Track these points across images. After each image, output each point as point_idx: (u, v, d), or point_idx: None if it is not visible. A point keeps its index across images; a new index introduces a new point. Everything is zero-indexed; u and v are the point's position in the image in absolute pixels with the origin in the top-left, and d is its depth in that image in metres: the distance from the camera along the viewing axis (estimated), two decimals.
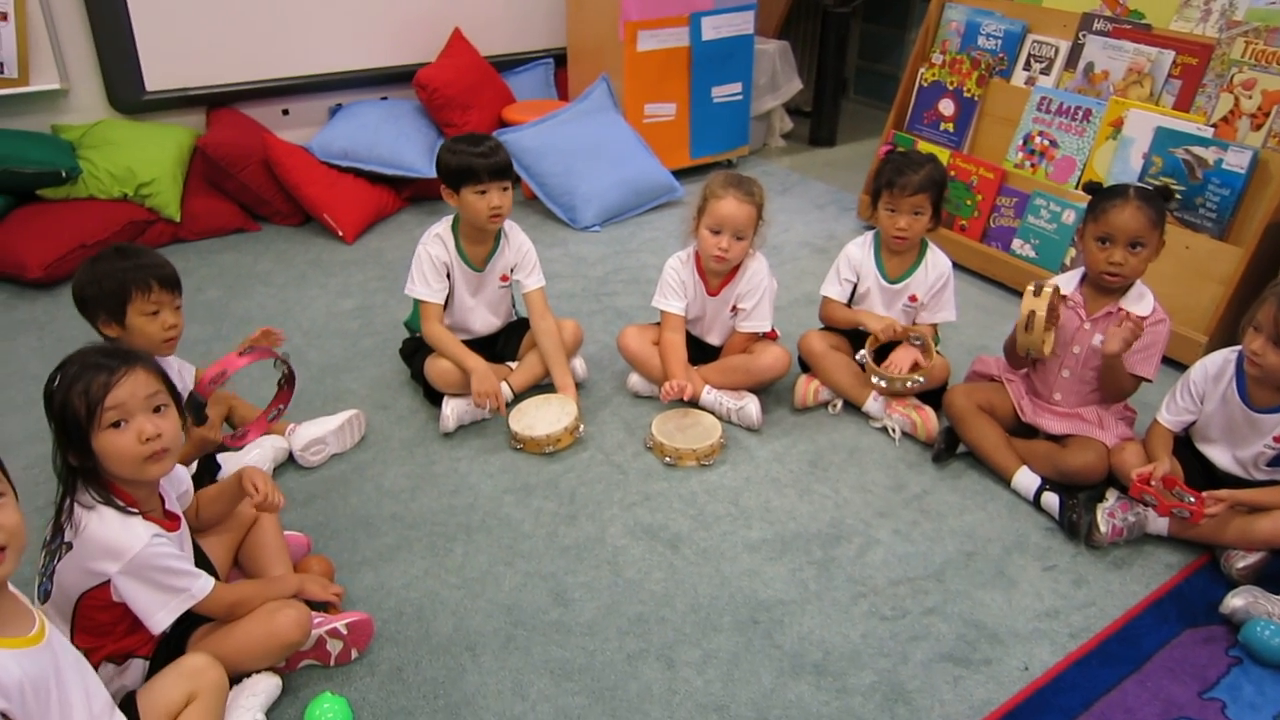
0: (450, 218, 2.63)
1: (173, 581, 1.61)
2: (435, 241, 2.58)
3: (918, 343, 2.57)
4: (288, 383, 2.27)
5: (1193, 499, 2.10)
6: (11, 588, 1.35)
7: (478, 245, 2.61)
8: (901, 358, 2.55)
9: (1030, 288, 2.27)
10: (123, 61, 3.70)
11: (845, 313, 2.67)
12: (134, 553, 1.55)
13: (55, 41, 3.58)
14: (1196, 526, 2.17)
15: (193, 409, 2.01)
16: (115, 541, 1.54)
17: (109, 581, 1.56)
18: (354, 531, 2.21)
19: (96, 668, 1.58)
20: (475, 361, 2.54)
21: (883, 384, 2.53)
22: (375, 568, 2.10)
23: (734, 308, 2.66)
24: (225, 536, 1.96)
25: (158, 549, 1.58)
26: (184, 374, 2.21)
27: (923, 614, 2.02)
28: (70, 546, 1.55)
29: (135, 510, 1.59)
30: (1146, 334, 2.30)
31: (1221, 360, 2.25)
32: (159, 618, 1.60)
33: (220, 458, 2.27)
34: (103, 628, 1.63)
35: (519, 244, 2.68)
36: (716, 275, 2.63)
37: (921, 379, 2.50)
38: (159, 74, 3.79)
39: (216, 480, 2.19)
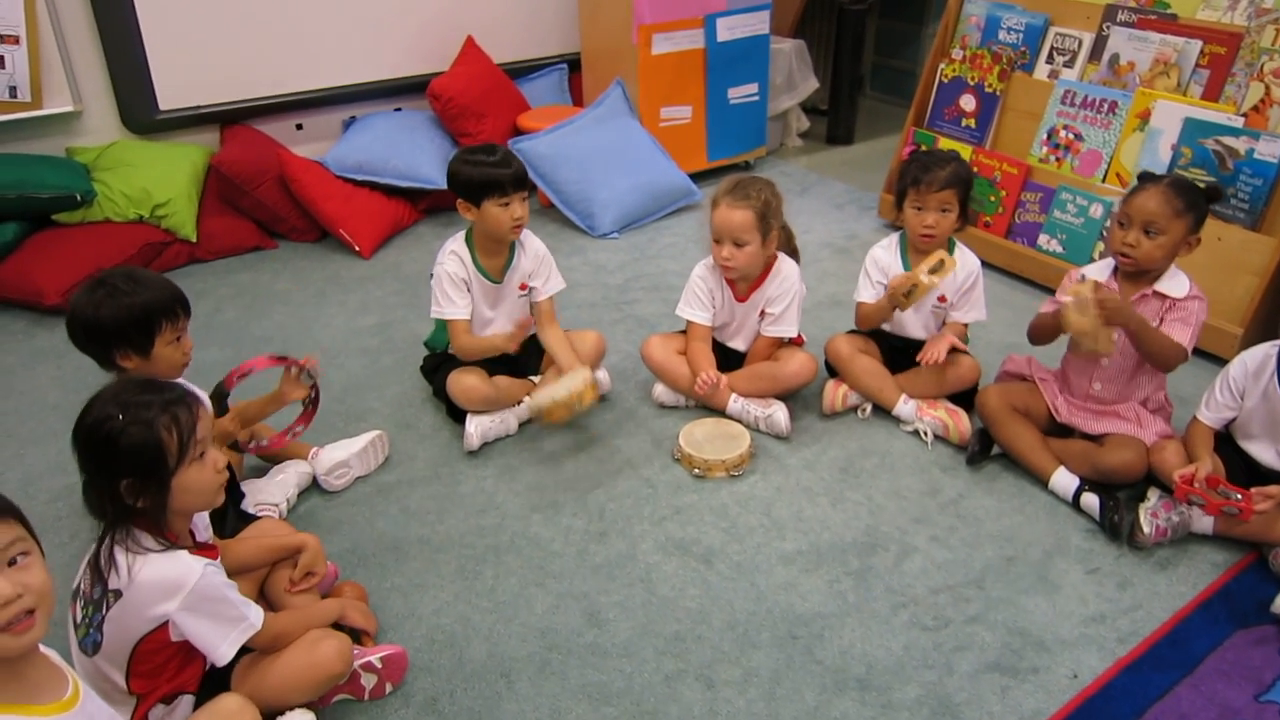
0: (463, 231, 2.60)
1: (231, 611, 1.59)
2: (452, 259, 2.54)
3: (937, 266, 2.47)
4: (312, 404, 2.25)
5: (1240, 496, 2.04)
6: (44, 649, 1.31)
7: (494, 257, 2.58)
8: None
9: (1070, 289, 2.22)
10: (135, 81, 3.69)
11: (875, 307, 2.62)
12: (191, 585, 1.51)
13: (68, 63, 3.56)
14: (1245, 524, 2.12)
15: (216, 400, 2.01)
16: (170, 578, 1.50)
17: (167, 622, 1.53)
18: (382, 556, 2.18)
19: (149, 709, 1.57)
20: (496, 337, 2.54)
21: (918, 286, 2.45)
22: (405, 594, 2.07)
23: (762, 312, 2.62)
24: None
25: (212, 579, 1.55)
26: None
27: (965, 623, 1.98)
28: (119, 594, 1.50)
29: (179, 545, 1.56)
30: (1182, 309, 2.25)
31: (1262, 355, 2.20)
32: (223, 650, 1.57)
33: (243, 485, 2.25)
34: (158, 670, 1.60)
35: (534, 250, 2.65)
36: (743, 281, 2.59)
37: (939, 276, 2.43)
38: (172, 93, 3.77)
39: (240, 507, 2.17)
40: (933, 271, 2.40)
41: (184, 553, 1.55)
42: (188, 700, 1.66)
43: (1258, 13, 2.89)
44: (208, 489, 1.58)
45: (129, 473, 1.49)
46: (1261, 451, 2.21)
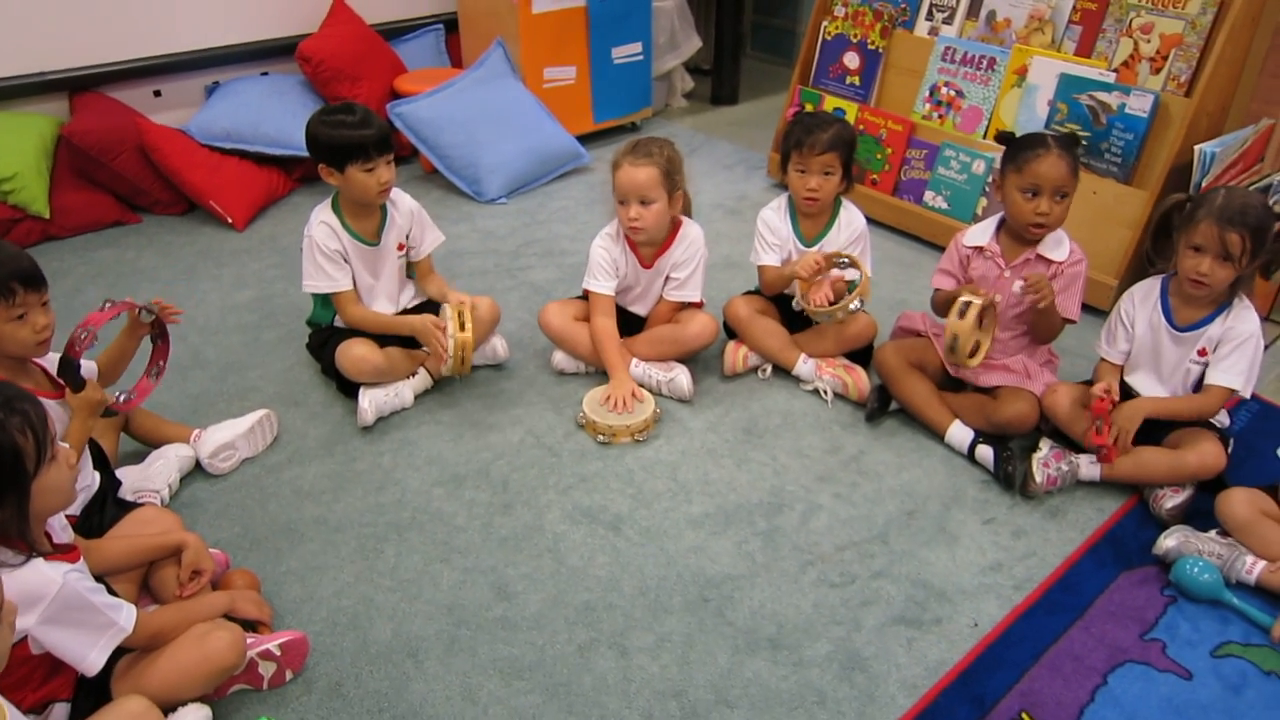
0: (329, 199, 2.48)
1: (97, 617, 1.49)
2: (321, 229, 2.42)
3: (845, 263, 2.52)
4: (160, 337, 2.11)
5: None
6: None
7: (365, 220, 2.48)
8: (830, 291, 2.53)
9: (955, 311, 2.25)
10: None
11: (778, 273, 2.62)
12: (50, 596, 1.41)
13: None
14: (1129, 469, 2.21)
15: (67, 374, 1.87)
16: (27, 591, 1.39)
17: (25, 637, 1.42)
18: (275, 540, 2.08)
19: None
20: (411, 321, 2.45)
21: (834, 318, 2.49)
22: (302, 578, 1.98)
23: (667, 276, 2.59)
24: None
25: (74, 586, 1.45)
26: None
27: (871, 578, 2.01)
28: None
29: (35, 552, 1.44)
30: (1066, 275, 2.33)
31: (1148, 285, 2.31)
32: (92, 658, 1.48)
33: (120, 473, 2.11)
34: (19, 682, 1.49)
35: (406, 207, 2.56)
36: (649, 246, 2.56)
37: (858, 303, 2.45)
38: (9, 58, 3.47)
39: (119, 496, 2.04)
40: (962, 317, 2.28)
41: (40, 561, 1.43)
42: (61, 708, 1.56)
43: None
44: (65, 488, 1.49)
45: None
46: (1144, 382, 2.30)
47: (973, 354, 2.30)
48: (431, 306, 2.63)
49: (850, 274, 2.53)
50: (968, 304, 2.23)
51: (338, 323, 2.53)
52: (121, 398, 2.11)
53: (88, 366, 2.01)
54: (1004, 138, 2.37)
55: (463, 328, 2.37)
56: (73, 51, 3.60)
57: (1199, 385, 2.23)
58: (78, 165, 3.49)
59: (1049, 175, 2.22)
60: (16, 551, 1.42)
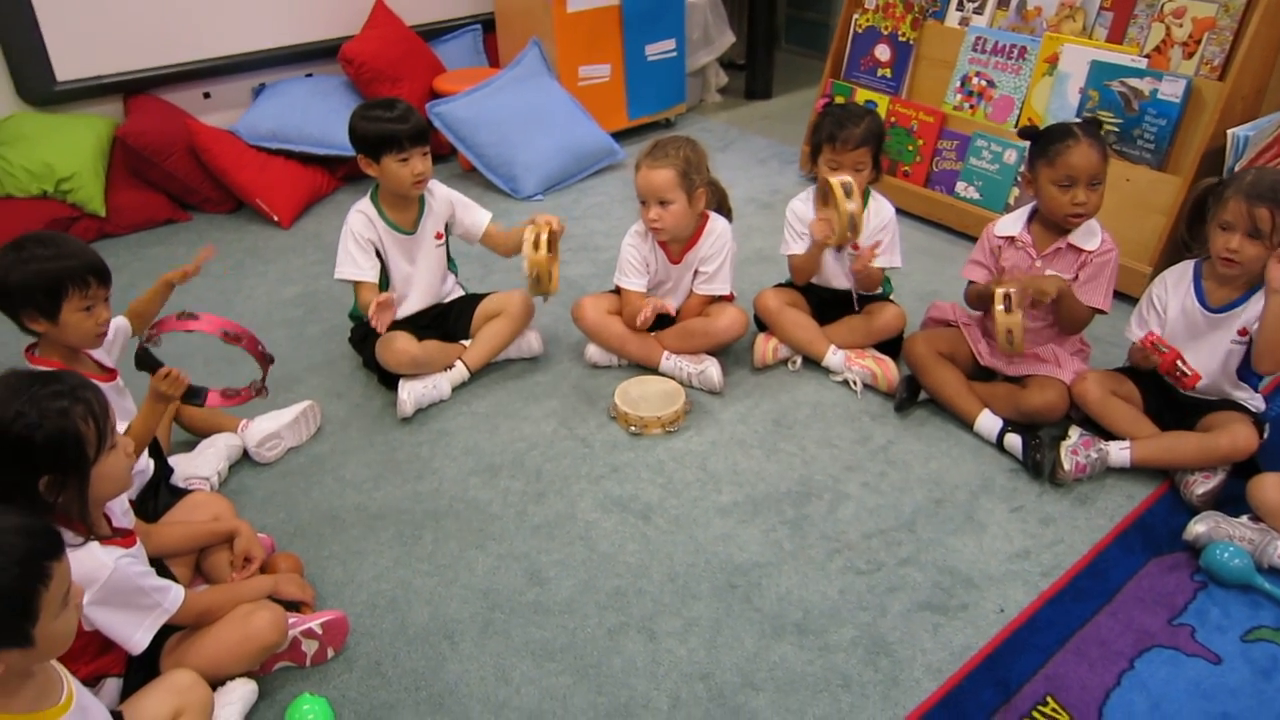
0: (370, 190, 2.57)
1: (145, 600, 1.57)
2: (358, 218, 2.52)
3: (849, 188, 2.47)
4: (257, 393, 2.15)
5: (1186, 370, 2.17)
6: None
7: (403, 211, 2.56)
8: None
9: (999, 305, 2.24)
10: (29, 52, 3.52)
11: (804, 256, 2.64)
12: (102, 580, 1.50)
13: None
14: (1158, 453, 2.22)
15: (147, 363, 1.93)
16: (80, 574, 1.46)
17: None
18: (318, 526, 2.16)
19: None
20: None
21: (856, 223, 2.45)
22: (343, 562, 2.06)
23: (696, 271, 2.63)
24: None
25: (125, 570, 1.53)
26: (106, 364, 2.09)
27: (898, 565, 2.04)
28: None
29: (93, 536, 1.53)
30: (1095, 263, 2.33)
31: (1180, 268, 2.31)
32: (138, 638, 1.57)
33: (172, 460, 2.20)
34: (73, 655, 1.57)
35: (444, 196, 2.64)
36: (676, 242, 2.60)
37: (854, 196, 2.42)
38: (69, 63, 3.61)
39: (171, 483, 2.13)
40: (848, 196, 2.36)
41: (95, 546, 1.52)
42: (113, 683, 1.65)
43: None
44: (122, 475, 1.57)
45: (49, 468, 1.45)
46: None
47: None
48: (469, 303, 2.71)
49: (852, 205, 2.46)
50: (1008, 294, 2.24)
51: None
52: (214, 391, 2.09)
53: (118, 322, 2.10)
54: (1027, 132, 2.38)
55: (536, 249, 2.41)
56: (127, 56, 3.73)
57: (1242, 367, 2.22)
58: (132, 165, 3.62)
59: (1081, 165, 2.23)
60: (76, 534, 1.50)
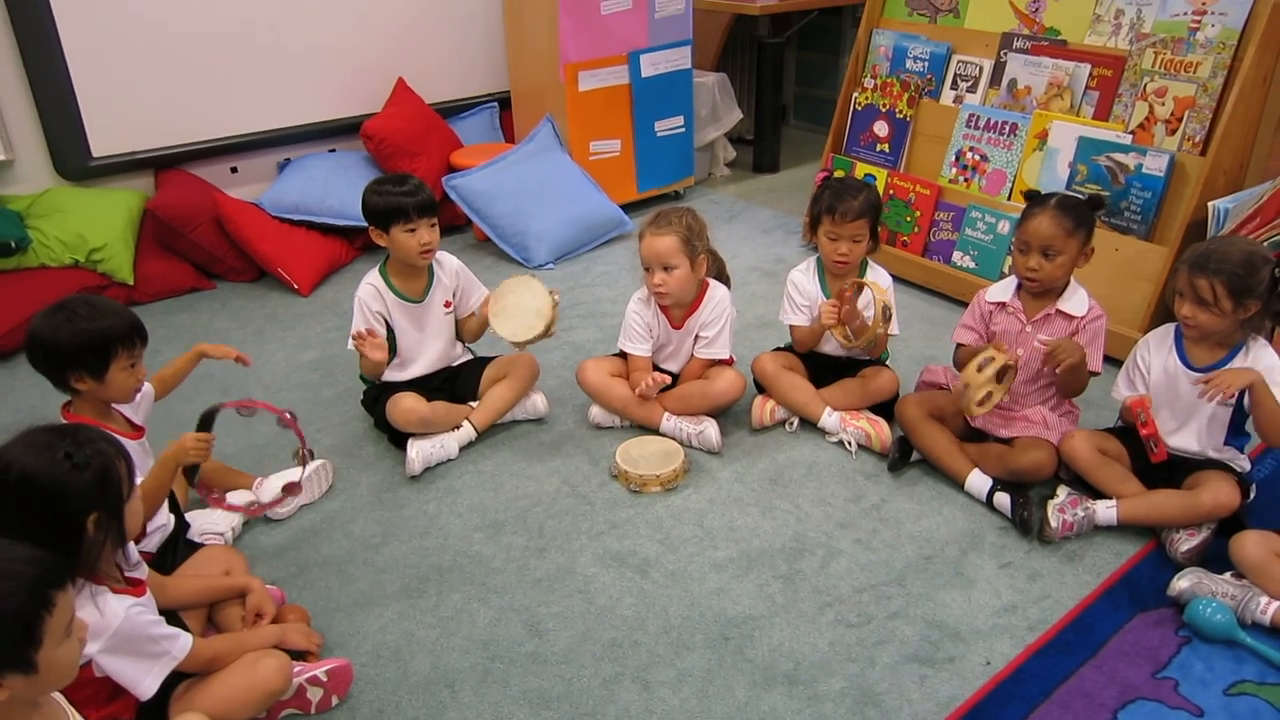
0: (379, 262, 2.70)
1: (154, 647, 1.64)
2: (368, 289, 2.65)
3: (859, 289, 2.63)
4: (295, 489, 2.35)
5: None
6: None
7: (412, 280, 2.68)
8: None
9: (974, 365, 2.35)
10: (68, 130, 3.72)
11: (808, 330, 2.75)
12: (113, 629, 1.57)
13: None
14: (1144, 511, 2.29)
15: (206, 420, 2.08)
16: (93, 623, 1.54)
17: (90, 661, 1.58)
18: (327, 580, 2.24)
19: None
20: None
21: (863, 342, 2.61)
22: (350, 614, 2.14)
23: (697, 336, 2.74)
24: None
25: (136, 619, 1.60)
26: (135, 422, 2.20)
27: (887, 618, 2.09)
28: None
29: (105, 584, 1.60)
30: (1087, 330, 2.41)
31: (1161, 331, 2.39)
32: (146, 684, 1.63)
33: (189, 516, 2.29)
34: (85, 700, 1.64)
35: (451, 267, 2.76)
36: (677, 308, 2.71)
37: (885, 316, 2.54)
38: (105, 139, 3.81)
39: (186, 535, 2.22)
40: (980, 370, 2.37)
41: (108, 594, 1.59)
42: None
43: (1138, 37, 3.10)
44: (137, 524, 1.66)
45: (96, 505, 1.54)
46: (1165, 424, 2.34)
47: (982, 403, 2.38)
48: (477, 366, 2.82)
49: (865, 305, 2.63)
50: (989, 359, 2.33)
51: (387, 377, 2.71)
52: (214, 495, 2.32)
53: (145, 389, 2.23)
54: (1029, 195, 2.49)
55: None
56: (160, 133, 3.92)
57: (1234, 425, 2.29)
58: (160, 236, 3.78)
59: (1035, 232, 2.35)
60: (91, 582, 1.57)
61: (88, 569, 1.56)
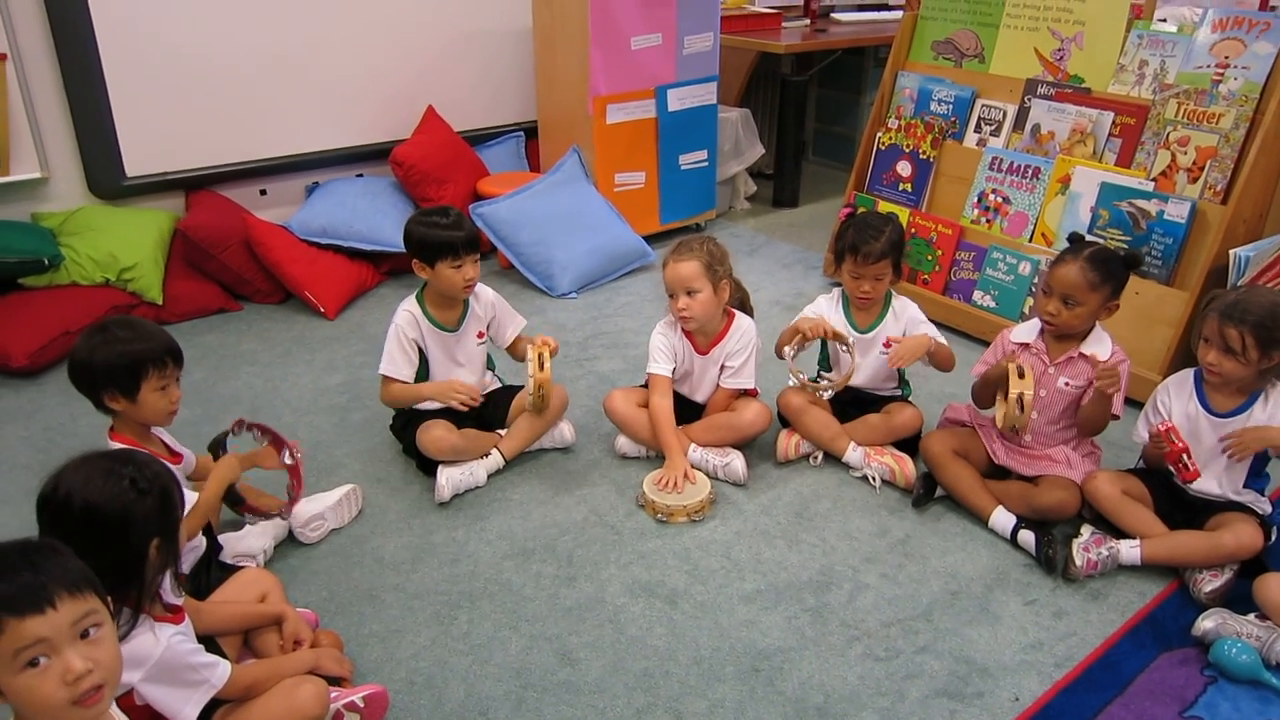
0: (417, 289, 2.74)
1: (194, 676, 1.65)
2: (405, 316, 2.68)
3: (844, 349, 2.70)
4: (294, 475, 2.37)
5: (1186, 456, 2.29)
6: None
7: (448, 310, 2.72)
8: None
9: (1014, 371, 2.40)
10: (103, 149, 3.78)
11: (790, 330, 2.77)
12: (155, 659, 1.58)
13: (36, 131, 3.65)
14: (1167, 551, 2.31)
15: (215, 447, 2.16)
16: (137, 653, 1.56)
17: (131, 690, 1.59)
18: (359, 605, 2.27)
19: None
20: (431, 385, 2.70)
21: (813, 385, 2.71)
22: (383, 640, 2.16)
23: (722, 366, 2.77)
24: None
25: (178, 649, 1.61)
26: (174, 448, 2.24)
27: (915, 653, 2.11)
28: None
29: (147, 613, 1.61)
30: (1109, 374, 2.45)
31: (1181, 375, 2.43)
32: (186, 713, 1.64)
33: (221, 539, 2.32)
34: None
35: (486, 299, 2.80)
36: (703, 335, 2.75)
37: (831, 381, 2.61)
38: (138, 160, 3.87)
39: (219, 559, 2.25)
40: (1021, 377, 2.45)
41: (150, 623, 1.60)
42: None
43: (1161, 87, 3.16)
44: (184, 544, 1.70)
45: (158, 531, 1.57)
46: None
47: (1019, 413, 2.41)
48: (506, 394, 2.86)
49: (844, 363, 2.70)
50: (1021, 369, 2.40)
51: (383, 399, 2.75)
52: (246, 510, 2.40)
53: (187, 459, 2.28)
54: (1071, 237, 2.53)
55: (541, 368, 2.60)
56: (192, 155, 3.99)
57: (1254, 468, 2.33)
58: (189, 256, 3.82)
59: (1060, 279, 2.40)
60: (130, 611, 1.57)
61: (150, 596, 1.59)
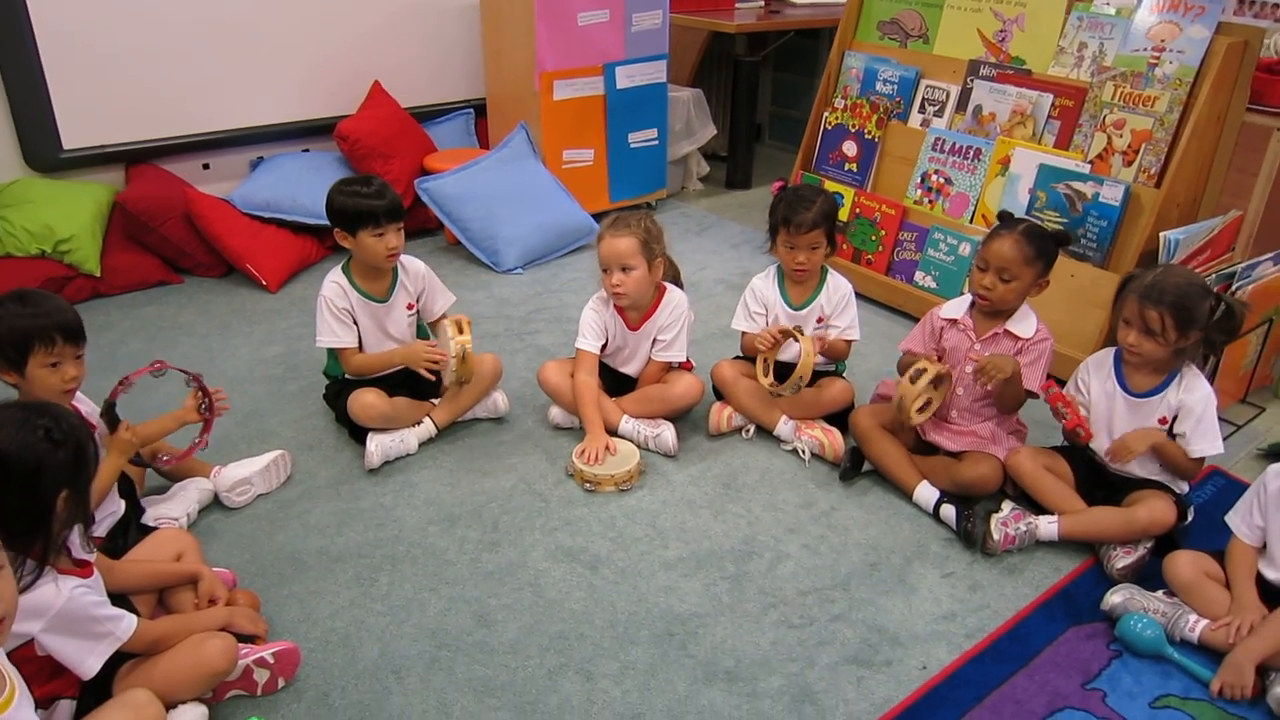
0: (342, 262, 2.72)
1: (97, 628, 1.65)
2: (332, 288, 2.67)
3: (795, 339, 2.67)
4: (207, 411, 2.32)
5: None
6: None
7: (376, 281, 2.71)
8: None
9: (908, 376, 2.44)
10: (38, 121, 3.72)
11: (749, 339, 2.80)
12: (56, 610, 1.57)
13: None
14: (1084, 527, 2.34)
15: (107, 416, 2.10)
16: (35, 603, 1.55)
17: (32, 640, 1.59)
18: (280, 567, 2.26)
19: None
20: (403, 350, 2.70)
21: (784, 394, 2.66)
22: (302, 600, 2.16)
23: (655, 339, 2.78)
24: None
25: (80, 600, 1.61)
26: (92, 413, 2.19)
27: (829, 621, 2.14)
28: None
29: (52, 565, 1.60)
30: (1031, 351, 2.47)
31: (1101, 355, 2.46)
32: (89, 664, 1.64)
33: (144, 501, 2.31)
34: (27, 678, 1.64)
35: (416, 270, 2.80)
36: (635, 310, 2.75)
37: (800, 380, 2.59)
38: (76, 132, 3.81)
39: (141, 522, 2.23)
40: (913, 381, 2.47)
41: (52, 575, 1.59)
42: (66, 705, 1.71)
43: (1099, 70, 3.19)
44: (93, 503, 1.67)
45: (68, 483, 1.55)
46: (1104, 447, 2.41)
47: (922, 409, 2.46)
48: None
49: (796, 347, 2.66)
50: (920, 370, 2.41)
51: (347, 374, 2.74)
52: (164, 458, 2.35)
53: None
54: (1000, 215, 2.56)
55: (461, 331, 2.60)
56: (131, 127, 3.94)
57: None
58: (129, 229, 3.79)
59: (996, 253, 2.41)
60: (34, 563, 1.55)
61: (56, 548, 1.57)
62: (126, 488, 2.26)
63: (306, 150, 4.34)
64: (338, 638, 2.05)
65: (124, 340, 3.40)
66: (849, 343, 2.80)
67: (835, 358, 2.81)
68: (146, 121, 3.96)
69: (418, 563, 2.28)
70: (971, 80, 3.56)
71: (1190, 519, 2.39)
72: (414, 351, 2.66)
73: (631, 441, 2.72)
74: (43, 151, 3.78)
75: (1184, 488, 2.42)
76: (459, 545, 2.35)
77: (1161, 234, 2.94)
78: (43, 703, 1.68)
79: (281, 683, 1.91)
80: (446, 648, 2.03)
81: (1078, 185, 3.17)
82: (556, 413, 2.85)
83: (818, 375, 2.84)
